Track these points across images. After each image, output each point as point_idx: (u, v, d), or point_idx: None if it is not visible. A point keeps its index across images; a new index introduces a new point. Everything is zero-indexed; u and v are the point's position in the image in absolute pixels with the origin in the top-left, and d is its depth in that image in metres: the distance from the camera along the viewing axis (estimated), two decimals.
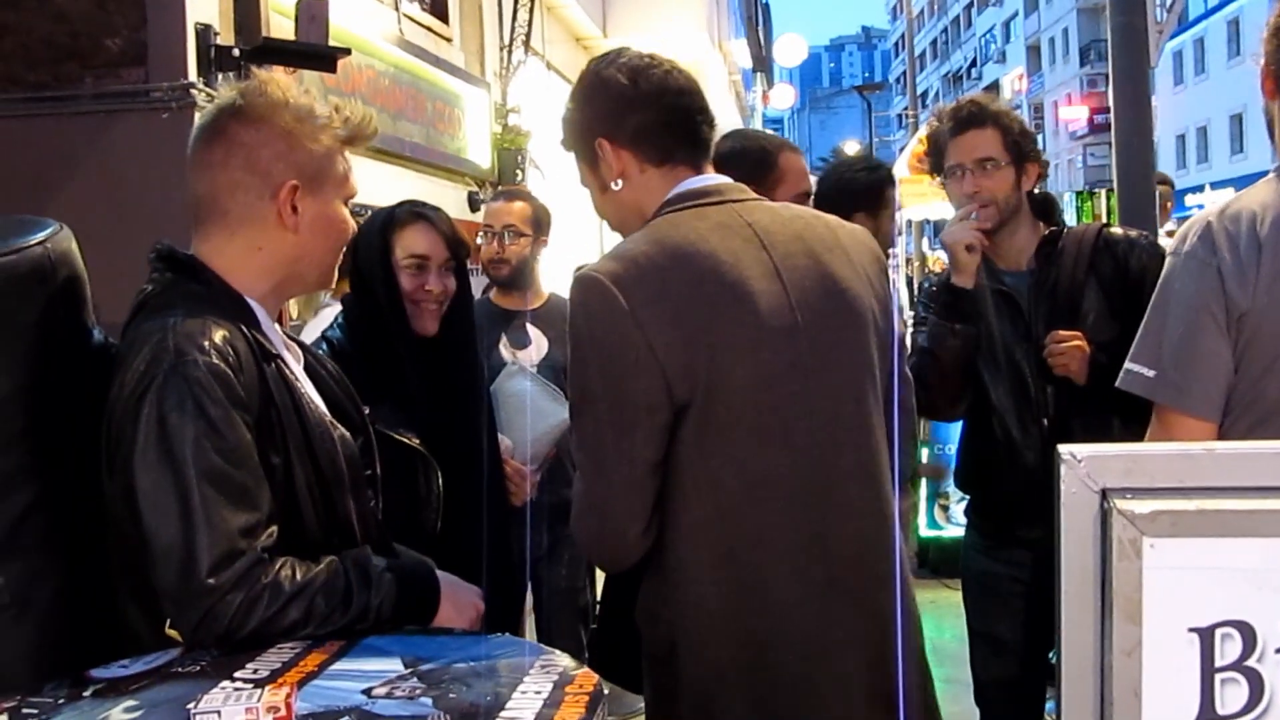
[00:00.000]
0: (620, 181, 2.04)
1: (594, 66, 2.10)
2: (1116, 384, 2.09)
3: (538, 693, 1.42)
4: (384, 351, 2.69)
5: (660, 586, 1.93)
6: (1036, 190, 3.02)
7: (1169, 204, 6.76)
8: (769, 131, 2.94)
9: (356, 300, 2.79)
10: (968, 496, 3.21)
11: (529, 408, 3.23)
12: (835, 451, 1.93)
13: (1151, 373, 2.02)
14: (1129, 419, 2.34)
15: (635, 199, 2.05)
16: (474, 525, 2.62)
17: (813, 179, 3.37)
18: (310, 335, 2.87)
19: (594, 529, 1.96)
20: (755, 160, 2.78)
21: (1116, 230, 2.94)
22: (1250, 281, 1.92)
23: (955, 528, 6.36)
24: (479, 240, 4.11)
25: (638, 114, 2.02)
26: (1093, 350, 2.73)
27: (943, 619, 4.63)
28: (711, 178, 2.05)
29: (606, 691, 1.46)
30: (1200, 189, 33.94)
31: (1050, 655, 2.96)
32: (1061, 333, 2.77)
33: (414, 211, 2.80)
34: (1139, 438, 2.14)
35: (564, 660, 1.55)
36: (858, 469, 1.95)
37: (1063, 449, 1.05)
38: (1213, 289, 1.95)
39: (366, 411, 2.51)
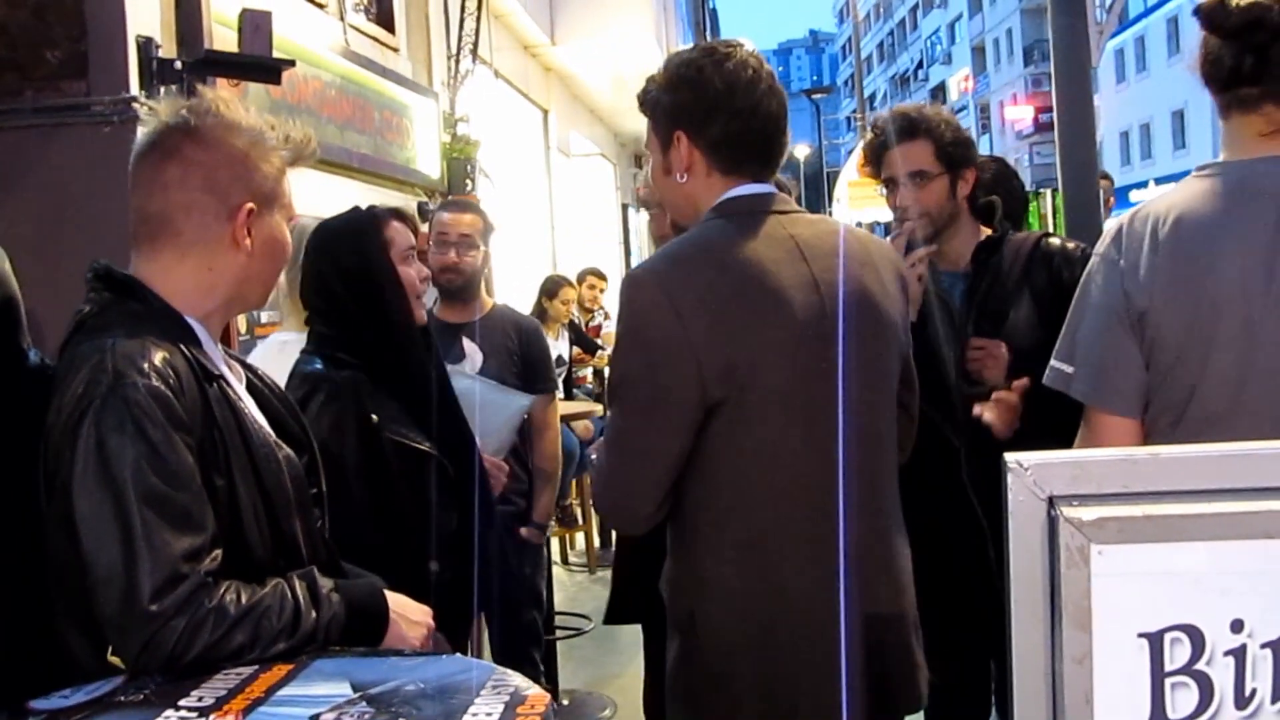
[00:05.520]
0: (685, 176, 2.12)
1: (696, 57, 2.11)
2: (1043, 381, 2.10)
3: (488, 714, 1.40)
4: (392, 353, 2.68)
5: (685, 563, 2.07)
6: (983, 193, 3.02)
7: (1110, 199, 6.85)
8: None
9: (359, 307, 2.69)
10: None
11: (481, 404, 3.30)
12: (848, 455, 2.00)
13: (1069, 368, 2.04)
14: (1039, 431, 2.34)
15: (694, 194, 2.13)
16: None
17: None
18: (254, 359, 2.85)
19: (610, 503, 2.12)
20: None
21: (1055, 240, 2.92)
22: (1146, 281, 1.94)
23: None
24: (429, 248, 4.07)
25: (723, 124, 2.08)
26: (1013, 358, 2.73)
27: None
28: (763, 187, 2.12)
29: (561, 706, 1.45)
30: (1144, 184, 34.37)
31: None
32: (978, 339, 2.79)
33: (390, 209, 2.86)
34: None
35: (516, 680, 1.53)
36: (865, 473, 2.04)
37: (1009, 457, 1.04)
38: (1116, 288, 1.97)
39: (375, 420, 2.51)
